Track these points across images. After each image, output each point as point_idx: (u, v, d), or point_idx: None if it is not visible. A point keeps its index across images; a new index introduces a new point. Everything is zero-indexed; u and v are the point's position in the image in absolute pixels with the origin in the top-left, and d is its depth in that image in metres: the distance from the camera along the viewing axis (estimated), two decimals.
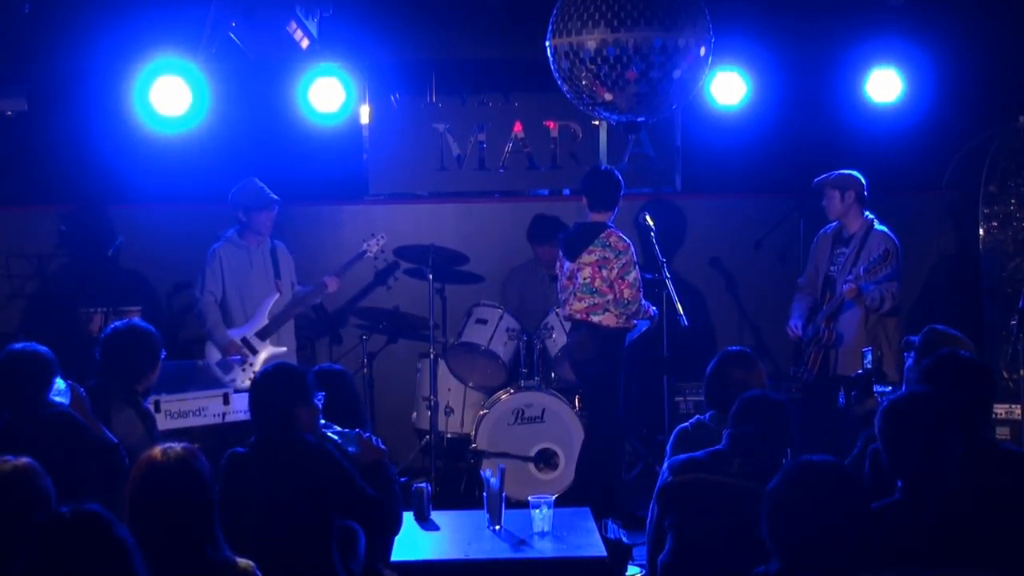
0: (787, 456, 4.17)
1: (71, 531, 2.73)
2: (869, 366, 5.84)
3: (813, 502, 2.93)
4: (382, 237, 7.47)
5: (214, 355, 7.06)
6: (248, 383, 6.94)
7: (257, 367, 7.05)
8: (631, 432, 7.54)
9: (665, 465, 4.15)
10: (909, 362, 4.85)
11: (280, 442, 4.24)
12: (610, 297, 6.66)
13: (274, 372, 4.42)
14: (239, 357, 7.03)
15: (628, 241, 6.73)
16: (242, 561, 3.28)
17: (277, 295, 7.18)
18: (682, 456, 4.21)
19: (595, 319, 6.71)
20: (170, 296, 7.64)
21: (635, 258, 6.71)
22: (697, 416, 4.87)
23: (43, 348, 4.66)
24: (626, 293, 6.63)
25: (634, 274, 6.66)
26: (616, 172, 6.90)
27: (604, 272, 6.66)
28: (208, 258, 7.08)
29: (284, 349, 7.20)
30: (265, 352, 7.10)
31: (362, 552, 4.66)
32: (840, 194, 6.98)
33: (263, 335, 7.10)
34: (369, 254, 7.48)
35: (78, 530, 2.73)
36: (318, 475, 4.17)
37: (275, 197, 7.11)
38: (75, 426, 4.51)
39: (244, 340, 7.07)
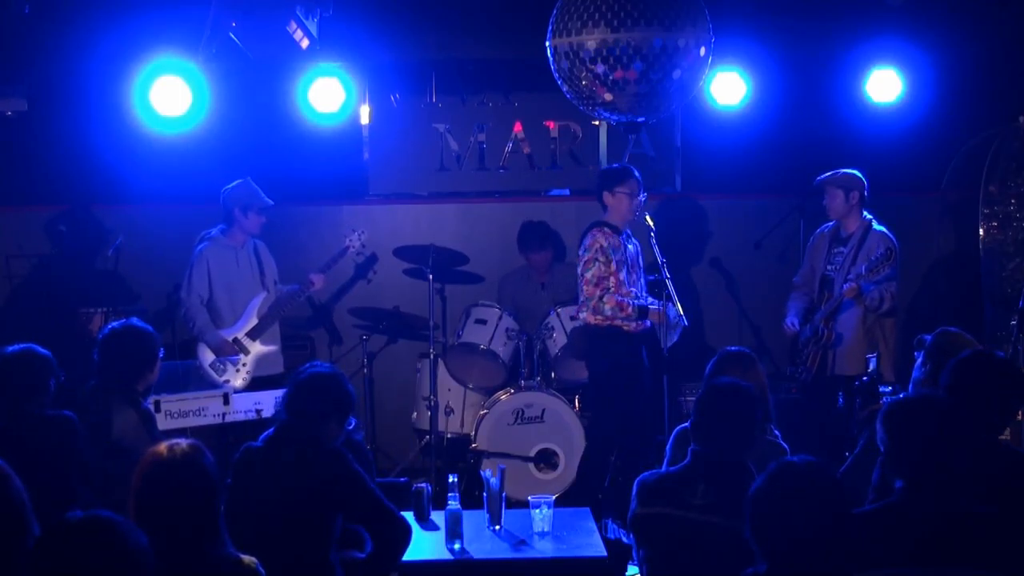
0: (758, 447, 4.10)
1: (78, 539, 2.64)
2: (874, 372, 5.82)
3: (794, 503, 2.93)
4: (363, 232, 7.45)
5: (206, 357, 7.05)
6: (241, 383, 6.95)
7: (250, 366, 7.04)
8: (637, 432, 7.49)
9: (635, 487, 4.04)
10: (918, 362, 4.81)
11: (294, 440, 4.23)
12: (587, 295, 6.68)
13: (325, 379, 4.36)
14: (236, 357, 7.02)
15: (600, 236, 6.61)
16: (246, 558, 3.25)
17: (265, 294, 7.15)
18: (651, 477, 4.06)
19: (581, 316, 6.77)
20: (170, 296, 7.62)
21: (603, 255, 6.58)
22: None
23: (41, 349, 4.66)
24: (586, 290, 6.63)
25: (594, 271, 6.58)
26: (614, 166, 6.91)
27: (578, 269, 6.70)
28: (195, 259, 7.02)
29: (275, 347, 7.19)
30: (256, 351, 7.08)
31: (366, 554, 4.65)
32: (844, 194, 6.97)
33: (253, 335, 7.08)
34: (352, 249, 7.47)
35: (85, 538, 2.64)
36: (327, 475, 4.16)
37: (271, 202, 7.10)
38: (72, 429, 4.50)
39: (235, 340, 7.05)
